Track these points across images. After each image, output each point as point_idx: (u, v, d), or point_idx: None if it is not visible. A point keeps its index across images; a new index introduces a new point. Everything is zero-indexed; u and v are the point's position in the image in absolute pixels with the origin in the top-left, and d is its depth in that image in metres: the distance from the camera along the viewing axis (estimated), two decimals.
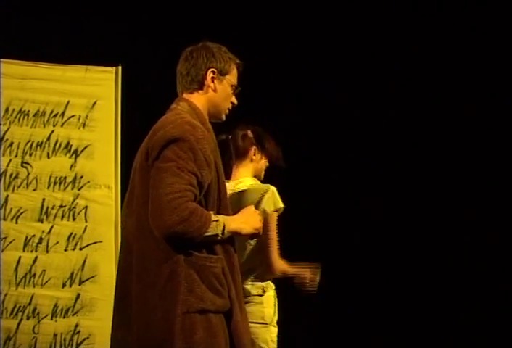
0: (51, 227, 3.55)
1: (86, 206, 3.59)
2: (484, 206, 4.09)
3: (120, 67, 3.59)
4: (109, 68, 3.61)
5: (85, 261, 3.56)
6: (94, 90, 3.59)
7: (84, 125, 3.60)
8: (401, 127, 4.18)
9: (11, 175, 3.51)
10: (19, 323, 3.42)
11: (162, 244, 2.17)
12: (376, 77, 4.17)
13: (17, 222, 3.49)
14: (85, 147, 3.59)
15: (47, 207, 3.56)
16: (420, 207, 4.17)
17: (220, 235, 2.24)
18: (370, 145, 4.24)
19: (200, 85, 2.37)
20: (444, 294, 4.10)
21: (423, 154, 4.18)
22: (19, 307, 3.43)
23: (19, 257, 3.46)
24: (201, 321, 2.16)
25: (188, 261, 2.20)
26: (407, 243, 4.14)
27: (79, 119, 3.59)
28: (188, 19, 3.63)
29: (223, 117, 2.46)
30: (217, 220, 2.24)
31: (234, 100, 2.45)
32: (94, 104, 3.59)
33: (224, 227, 2.25)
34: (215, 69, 2.36)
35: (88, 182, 3.59)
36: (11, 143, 3.51)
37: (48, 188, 3.57)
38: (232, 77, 2.41)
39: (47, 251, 3.53)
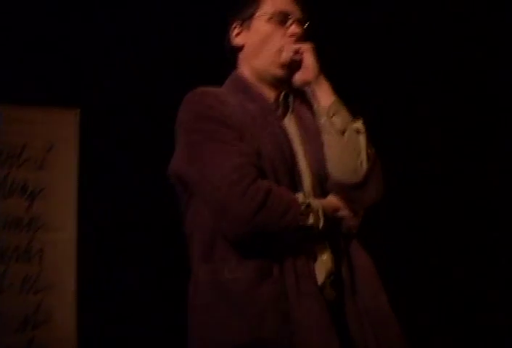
0: (5, 269, 3.48)
1: (42, 249, 3.53)
2: None
3: (78, 110, 3.57)
4: (68, 110, 3.58)
5: (40, 305, 3.49)
6: (52, 133, 3.57)
7: (41, 167, 3.56)
8: None
9: None
10: None
11: None
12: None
13: None
14: (42, 189, 3.55)
15: (2, 249, 3.49)
16: None
17: (316, 225, 1.61)
18: None
19: (236, 52, 1.90)
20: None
21: None
22: None
23: None
24: None
25: None
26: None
27: (36, 161, 3.55)
28: (151, 63, 3.61)
29: (276, 70, 1.81)
30: (308, 204, 1.62)
31: (293, 30, 1.82)
32: (52, 146, 3.56)
33: (323, 213, 1.62)
34: (235, 24, 1.88)
35: (44, 224, 3.54)
36: None
37: (3, 229, 3.51)
38: (264, 10, 1.83)
39: (0, 294, 3.45)
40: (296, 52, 1.81)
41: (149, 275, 3.47)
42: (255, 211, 1.54)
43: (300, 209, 1.59)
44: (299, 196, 1.64)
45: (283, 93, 1.88)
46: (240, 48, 1.89)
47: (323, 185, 1.75)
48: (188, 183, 1.71)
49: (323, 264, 1.65)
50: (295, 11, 1.86)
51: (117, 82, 3.52)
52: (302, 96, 1.89)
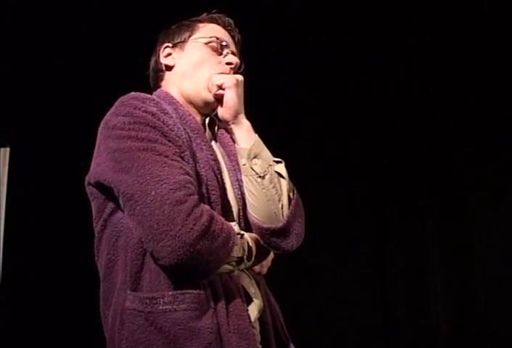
0: None
1: None
2: None
3: (8, 149, 3.59)
4: None
5: None
6: None
7: None
8: None
9: None
10: None
11: None
12: None
13: None
14: None
15: None
16: None
17: (245, 258, 1.56)
18: None
19: (162, 72, 1.82)
20: None
21: None
22: None
23: None
24: None
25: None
26: None
27: None
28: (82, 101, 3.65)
29: (208, 96, 1.73)
30: (241, 234, 1.57)
31: (229, 59, 1.77)
32: None
33: (250, 247, 1.58)
34: (168, 44, 1.82)
35: None
36: None
37: None
38: (201, 34, 1.80)
39: None
40: (220, 87, 1.72)
41: None
42: (199, 235, 1.41)
43: (237, 239, 1.53)
44: (234, 226, 1.57)
45: (208, 118, 1.80)
46: (169, 68, 1.80)
47: (246, 217, 1.68)
48: (116, 193, 1.50)
49: (254, 299, 1.61)
50: (231, 44, 1.83)
51: (48, 121, 3.55)
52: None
